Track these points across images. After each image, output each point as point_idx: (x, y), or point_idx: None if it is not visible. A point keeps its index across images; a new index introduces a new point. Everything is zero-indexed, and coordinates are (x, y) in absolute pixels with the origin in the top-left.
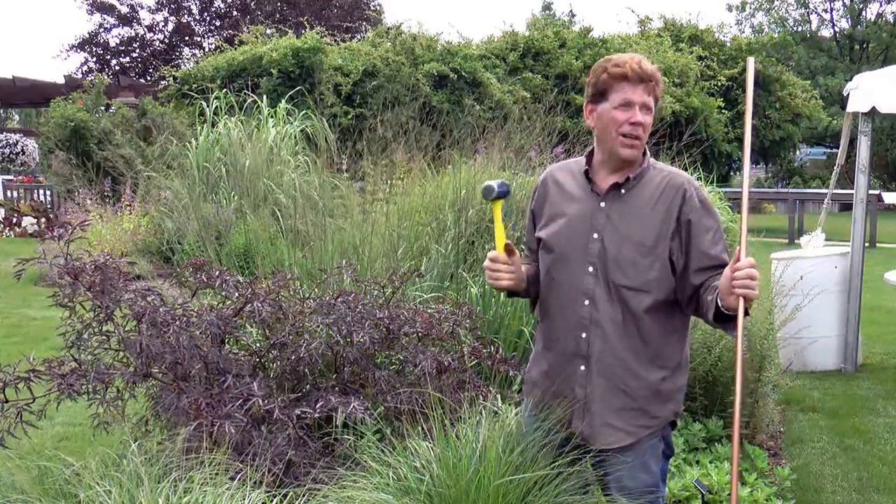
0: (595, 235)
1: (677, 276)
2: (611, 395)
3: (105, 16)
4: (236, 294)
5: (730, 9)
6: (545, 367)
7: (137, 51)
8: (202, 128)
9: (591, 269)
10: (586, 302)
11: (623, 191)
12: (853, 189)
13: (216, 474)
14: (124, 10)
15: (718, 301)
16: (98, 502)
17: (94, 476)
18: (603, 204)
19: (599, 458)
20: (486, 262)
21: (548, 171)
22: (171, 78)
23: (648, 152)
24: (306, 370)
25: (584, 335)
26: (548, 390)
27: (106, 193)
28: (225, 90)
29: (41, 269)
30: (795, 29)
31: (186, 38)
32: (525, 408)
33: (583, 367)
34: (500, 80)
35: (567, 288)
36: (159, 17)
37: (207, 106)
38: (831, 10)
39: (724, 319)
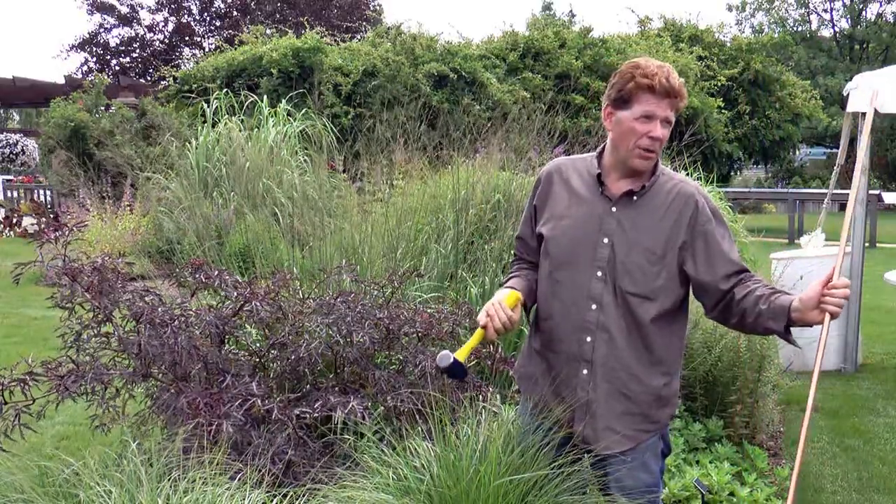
0: (605, 240)
1: (701, 284)
2: (614, 400)
3: (105, 16)
4: (235, 294)
5: (730, 9)
6: (545, 367)
7: (137, 51)
8: (202, 128)
9: (599, 273)
10: (593, 306)
11: (635, 197)
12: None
13: (216, 474)
14: (124, 10)
15: (793, 314)
16: (98, 502)
17: (94, 476)
18: (614, 209)
19: (599, 458)
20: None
21: (553, 165)
22: (172, 78)
23: (660, 159)
24: (306, 370)
25: (588, 339)
26: (548, 389)
27: (106, 194)
28: (225, 90)
29: (41, 268)
30: (795, 29)
31: (186, 38)
32: (523, 405)
33: (585, 371)
34: (500, 80)
35: (572, 291)
36: (159, 17)
37: (208, 106)
38: (831, 10)
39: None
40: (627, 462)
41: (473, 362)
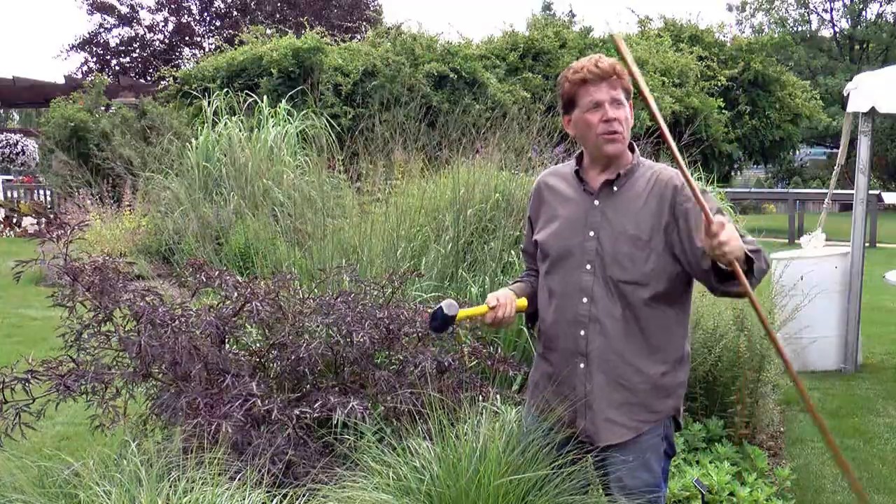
0: (591, 233)
1: (690, 263)
2: (611, 390)
3: (105, 16)
4: (236, 294)
5: (730, 9)
6: (547, 368)
7: (137, 51)
8: (202, 128)
9: (588, 266)
10: (584, 300)
11: (615, 188)
12: (853, 189)
13: (216, 474)
14: (124, 10)
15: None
16: (98, 502)
17: (93, 476)
18: (597, 202)
19: (601, 458)
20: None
21: (539, 177)
22: (172, 78)
23: (637, 149)
24: (306, 370)
25: (582, 332)
26: (550, 391)
27: (105, 194)
28: (225, 90)
29: (42, 269)
30: (795, 29)
31: (186, 38)
32: (527, 410)
33: (583, 365)
34: (500, 80)
35: (565, 287)
36: (159, 17)
37: (208, 106)
38: (831, 10)
39: (729, 277)
40: (629, 461)
41: (473, 363)
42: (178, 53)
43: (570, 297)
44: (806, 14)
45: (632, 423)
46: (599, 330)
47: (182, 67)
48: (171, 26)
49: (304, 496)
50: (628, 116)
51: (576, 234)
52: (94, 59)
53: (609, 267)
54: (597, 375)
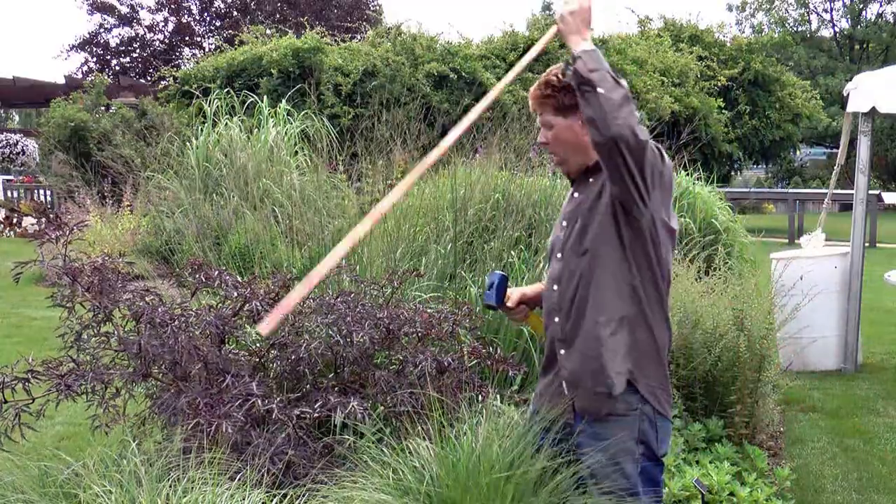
0: (564, 223)
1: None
2: (578, 364)
3: (105, 16)
4: (235, 294)
5: (730, 9)
6: (544, 360)
7: (137, 51)
8: (202, 128)
9: (559, 255)
10: (554, 287)
11: (591, 179)
12: (853, 189)
13: (216, 474)
14: (124, 10)
15: None
16: (98, 502)
17: (93, 476)
18: (576, 194)
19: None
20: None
21: None
22: (172, 78)
23: None
24: (306, 370)
25: (556, 319)
26: (543, 380)
27: (105, 194)
28: (226, 90)
29: (41, 269)
30: (795, 29)
31: (186, 38)
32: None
33: (563, 351)
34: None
35: (547, 279)
36: (159, 17)
37: (208, 106)
38: (831, 10)
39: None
40: (602, 463)
41: (473, 363)
42: (178, 53)
43: (548, 287)
44: (806, 14)
45: (600, 388)
46: (565, 313)
47: (182, 67)
48: (171, 26)
49: (303, 496)
50: (559, 134)
51: (556, 228)
52: (94, 59)
53: (570, 248)
54: (567, 354)
